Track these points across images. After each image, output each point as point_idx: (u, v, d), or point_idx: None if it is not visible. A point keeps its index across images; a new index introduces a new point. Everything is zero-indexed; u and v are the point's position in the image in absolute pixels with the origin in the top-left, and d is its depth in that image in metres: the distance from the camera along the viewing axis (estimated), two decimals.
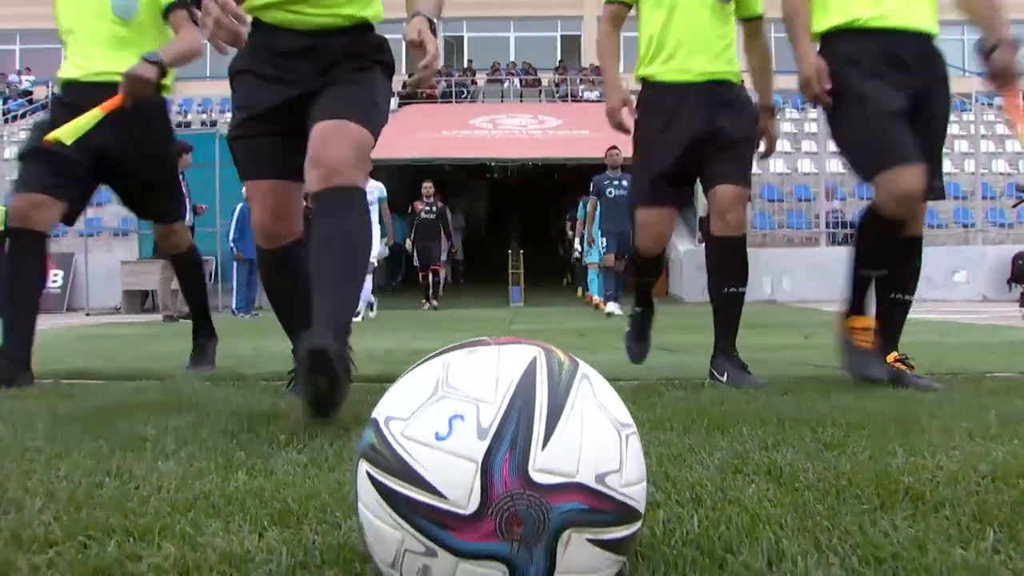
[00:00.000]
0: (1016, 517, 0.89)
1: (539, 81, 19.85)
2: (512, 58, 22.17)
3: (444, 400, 0.66)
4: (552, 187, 17.33)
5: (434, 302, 10.45)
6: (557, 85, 19.46)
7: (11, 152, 16.70)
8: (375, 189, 10.46)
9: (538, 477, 0.62)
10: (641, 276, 3.03)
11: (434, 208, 10.44)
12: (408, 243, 10.67)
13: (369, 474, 0.67)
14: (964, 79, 20.14)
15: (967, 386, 2.48)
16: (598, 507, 0.64)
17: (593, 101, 18.21)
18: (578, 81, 19.39)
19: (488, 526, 0.61)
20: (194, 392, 2.28)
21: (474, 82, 19.91)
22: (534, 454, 0.63)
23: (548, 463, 0.63)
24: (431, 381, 0.69)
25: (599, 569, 0.67)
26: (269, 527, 0.89)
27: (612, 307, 7.88)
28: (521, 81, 19.65)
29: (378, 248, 9.50)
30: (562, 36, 23.38)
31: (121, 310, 10.93)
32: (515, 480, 0.62)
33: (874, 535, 0.82)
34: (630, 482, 0.68)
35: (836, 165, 15.94)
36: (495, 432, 0.63)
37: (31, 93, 20.45)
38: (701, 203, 12.91)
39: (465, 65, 21.39)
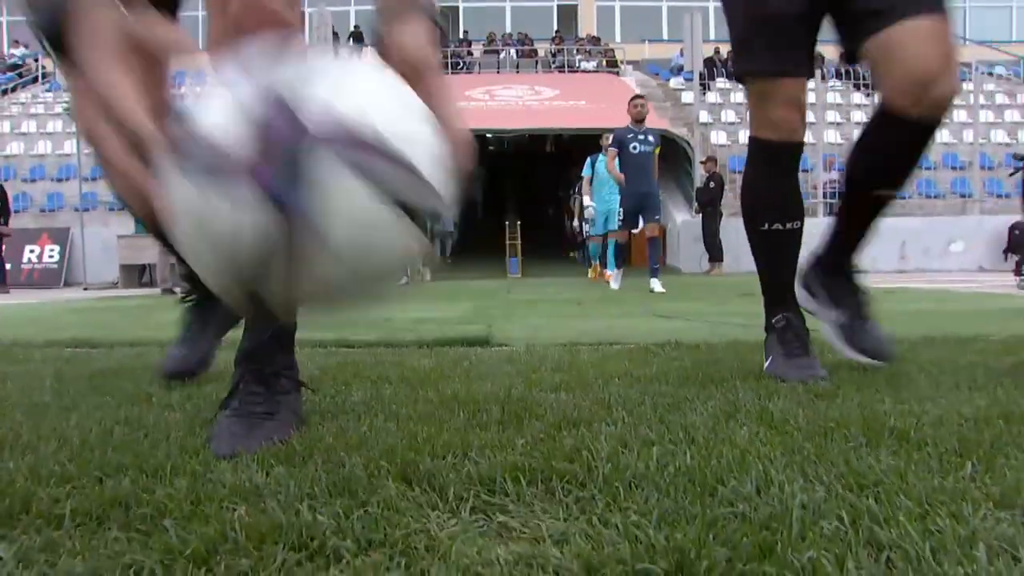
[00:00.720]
0: (994, 452, 0.92)
1: (535, 52, 19.65)
2: (508, 29, 21.92)
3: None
4: (548, 158, 17.27)
5: (427, 276, 9.24)
6: (553, 55, 19.27)
7: (2, 127, 16.55)
8: None
9: (306, 118, 0.61)
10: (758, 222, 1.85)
11: None
12: None
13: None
14: (964, 47, 20.04)
15: (958, 347, 2.52)
16: (361, 146, 0.61)
17: (590, 71, 18.06)
18: (575, 51, 19.19)
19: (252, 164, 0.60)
20: None
21: (470, 53, 19.70)
22: (300, 98, 0.62)
23: (317, 107, 0.62)
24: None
25: (377, 226, 0.64)
26: (276, 465, 0.92)
27: (656, 284, 6.85)
28: (517, 52, 19.44)
29: None
30: (558, 6, 23.10)
31: (119, 284, 10.94)
32: (283, 123, 0.61)
33: (858, 466, 0.85)
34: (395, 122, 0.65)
35: (835, 136, 15.90)
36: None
37: (21, 66, 20.21)
38: (698, 173, 12.88)
39: (461, 36, 21.15)
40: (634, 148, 6.91)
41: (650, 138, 6.97)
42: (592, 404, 1.31)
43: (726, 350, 2.46)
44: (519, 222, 11.97)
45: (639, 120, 7.03)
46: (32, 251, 12.41)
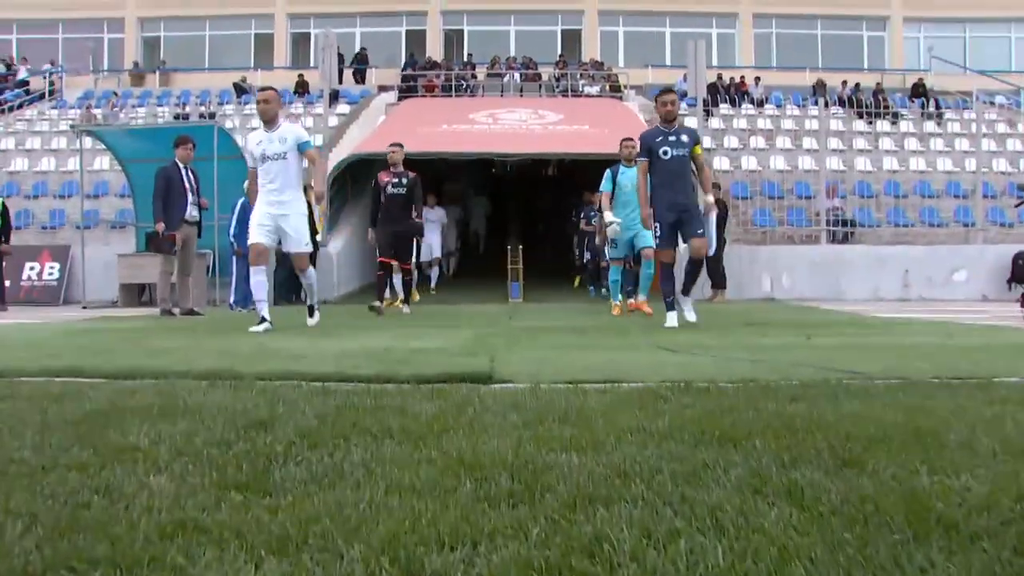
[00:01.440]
0: None
1: (539, 76, 19.76)
2: (512, 52, 22.08)
3: None
4: (551, 181, 17.27)
5: (405, 308, 7.94)
6: (557, 80, 19.37)
7: (5, 143, 16.59)
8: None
9: None
10: None
11: (404, 180, 7.60)
12: (369, 232, 8.03)
13: None
14: (965, 77, 20.16)
15: (978, 393, 2.44)
16: None
17: (594, 96, 18.13)
18: (578, 76, 19.29)
19: None
20: (189, 394, 2.23)
21: (474, 76, 19.81)
22: None
23: None
24: None
25: None
26: (266, 556, 0.84)
27: (683, 314, 5.77)
28: (521, 76, 19.55)
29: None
30: (562, 31, 23.28)
31: (118, 303, 10.85)
32: None
33: (912, 573, 0.77)
34: None
35: (837, 163, 15.89)
36: None
37: (28, 83, 20.32)
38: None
39: (465, 59, 21.28)
40: (665, 153, 5.61)
41: (684, 138, 5.68)
42: (607, 470, 1.22)
43: (738, 395, 2.37)
44: (521, 246, 11.88)
45: (669, 120, 5.73)
46: (32, 268, 12.35)
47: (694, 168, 5.86)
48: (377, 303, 7.51)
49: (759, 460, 1.31)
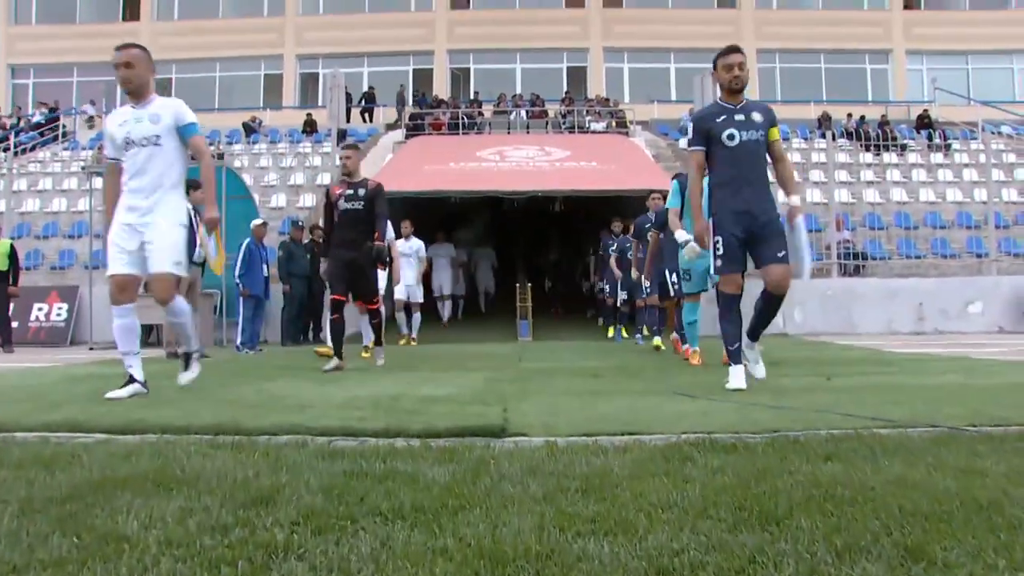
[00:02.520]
0: None
1: (546, 112, 19.93)
2: (519, 90, 22.32)
3: None
4: (559, 216, 17.25)
5: (379, 359, 6.11)
6: (564, 116, 19.52)
7: (18, 185, 16.76)
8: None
9: None
10: None
11: (361, 192, 5.77)
12: (321, 261, 6.24)
13: None
14: (969, 108, 20.21)
15: (1022, 445, 2.29)
16: None
17: (600, 132, 18.22)
18: (584, 112, 19.45)
19: None
20: (188, 458, 2.11)
21: (480, 113, 20.00)
22: None
23: None
24: None
25: None
26: None
27: (758, 369, 4.16)
28: (528, 112, 19.72)
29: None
30: (568, 68, 23.56)
31: None
32: None
33: None
34: None
35: (846, 195, 15.85)
36: None
37: (42, 125, 20.65)
38: None
39: (472, 97, 21.52)
40: (731, 138, 3.92)
41: (756, 116, 3.96)
42: (642, 564, 1.10)
43: (767, 453, 2.23)
44: (529, 283, 11.79)
45: (736, 90, 3.98)
46: (40, 309, 12.33)
47: (769, 159, 4.11)
48: (331, 363, 5.61)
49: (809, 547, 1.18)
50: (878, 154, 17.97)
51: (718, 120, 3.99)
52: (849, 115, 19.72)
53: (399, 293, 10.08)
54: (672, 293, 6.83)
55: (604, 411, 3.25)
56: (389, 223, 6.49)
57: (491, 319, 13.48)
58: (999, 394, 3.69)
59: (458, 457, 2.13)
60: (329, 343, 6.27)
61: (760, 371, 4.13)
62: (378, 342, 6.22)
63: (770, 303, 4.07)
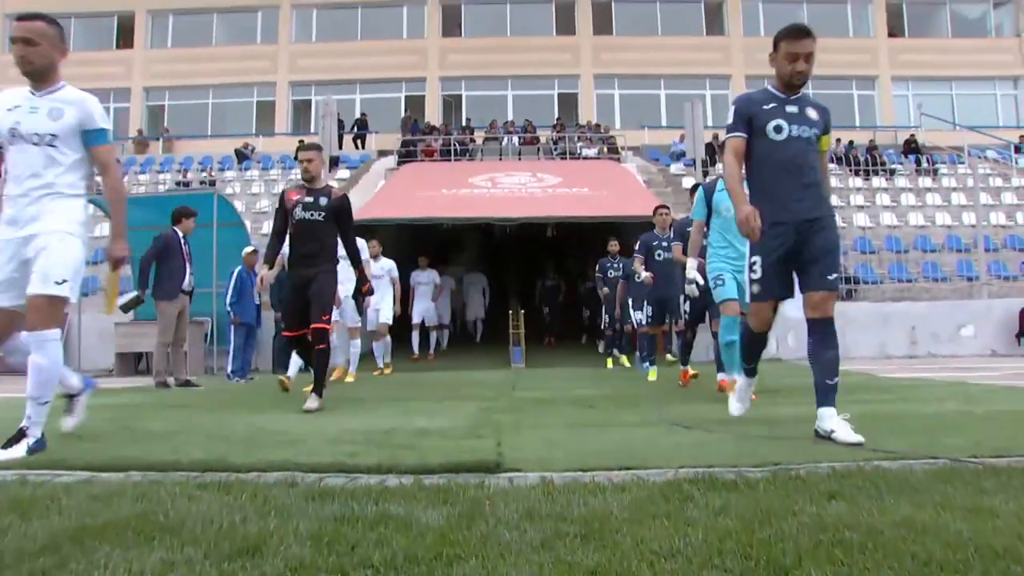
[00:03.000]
0: None
1: (537, 139, 20.06)
2: (510, 116, 22.48)
3: None
4: (550, 241, 17.27)
5: (314, 404, 4.74)
6: (555, 143, 19.66)
7: None
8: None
9: None
10: None
11: (323, 201, 5.01)
12: (261, 273, 5.04)
13: None
14: (955, 133, 20.49)
15: None
16: None
17: (591, 158, 18.34)
18: (576, 138, 19.59)
19: None
20: (172, 501, 2.04)
21: (472, 140, 20.10)
22: None
23: None
24: None
25: None
26: None
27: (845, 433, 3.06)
28: (519, 139, 19.84)
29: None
30: (559, 94, 23.77)
31: (114, 372, 10.66)
32: None
33: None
34: None
35: (837, 219, 15.97)
36: None
37: None
38: None
39: (463, 124, 21.65)
40: (778, 130, 3.20)
41: (811, 113, 3.25)
42: None
43: (768, 491, 2.18)
44: (522, 310, 11.74)
45: (795, 85, 3.24)
46: None
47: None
48: (313, 402, 4.78)
49: None
50: (867, 178, 18.17)
51: (765, 107, 3.22)
52: (838, 140, 19.97)
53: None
54: (682, 317, 6.56)
55: (600, 444, 3.19)
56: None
57: (483, 345, 13.39)
58: (1000, 423, 3.66)
59: (452, 498, 2.07)
60: (289, 372, 6.27)
61: (853, 436, 3.08)
62: (318, 386, 4.94)
63: (824, 332, 3.33)
